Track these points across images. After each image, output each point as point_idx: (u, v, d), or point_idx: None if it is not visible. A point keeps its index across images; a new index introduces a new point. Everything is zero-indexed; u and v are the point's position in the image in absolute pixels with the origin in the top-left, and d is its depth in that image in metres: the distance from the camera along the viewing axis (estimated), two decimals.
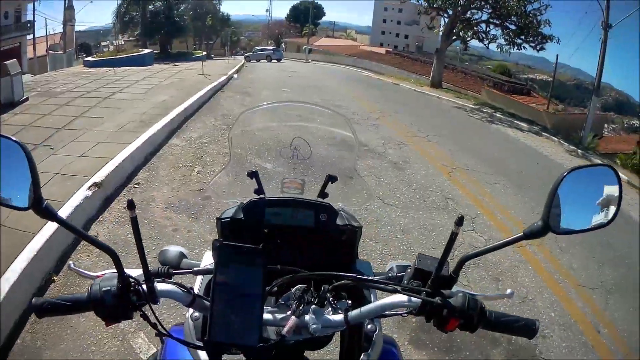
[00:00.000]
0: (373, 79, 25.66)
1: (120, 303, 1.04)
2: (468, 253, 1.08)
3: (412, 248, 5.08)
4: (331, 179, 1.48)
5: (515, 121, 14.82)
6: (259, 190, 1.49)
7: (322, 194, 1.51)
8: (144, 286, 1.06)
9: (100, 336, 3.44)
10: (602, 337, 4.20)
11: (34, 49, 25.91)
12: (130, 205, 0.99)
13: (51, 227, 4.17)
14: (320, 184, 1.51)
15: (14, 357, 3.16)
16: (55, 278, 3.93)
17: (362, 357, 1.24)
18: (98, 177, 5.42)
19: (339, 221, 1.48)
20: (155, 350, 1.84)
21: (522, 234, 1.03)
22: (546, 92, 20.97)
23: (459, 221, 1.00)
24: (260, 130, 1.74)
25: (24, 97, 9.75)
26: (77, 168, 5.68)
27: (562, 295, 4.75)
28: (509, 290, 1.23)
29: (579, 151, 12.85)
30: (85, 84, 10.97)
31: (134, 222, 1.00)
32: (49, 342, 3.32)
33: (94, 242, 1.04)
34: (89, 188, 5.09)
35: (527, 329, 1.12)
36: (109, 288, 1.03)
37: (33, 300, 1.09)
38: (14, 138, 0.97)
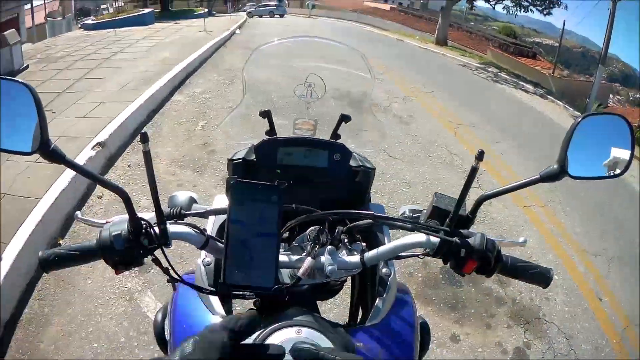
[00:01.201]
0: (377, 35, 25.45)
1: (131, 247, 0.99)
2: (485, 193, 1.05)
3: (418, 202, 5.13)
4: (345, 118, 1.44)
5: (521, 82, 14.72)
6: (271, 131, 1.45)
7: (335, 135, 1.47)
8: (156, 228, 1.01)
9: (107, 297, 3.48)
10: (603, 305, 4.24)
11: (32, 18, 25.59)
12: (144, 138, 0.93)
13: (56, 190, 4.21)
14: (333, 125, 1.47)
15: (22, 326, 3.18)
16: (60, 241, 3.93)
17: (377, 302, 1.22)
18: (101, 136, 5.41)
19: (352, 162, 1.44)
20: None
21: (538, 176, 1.01)
22: (552, 56, 20.78)
23: (480, 156, 0.97)
24: (273, 67, 1.71)
25: (24, 65, 9.70)
26: (80, 129, 5.63)
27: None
28: (522, 238, 1.20)
29: None
30: (85, 47, 10.84)
31: (147, 156, 0.94)
32: (57, 307, 3.35)
33: (104, 182, 0.99)
34: (92, 148, 5.08)
35: (542, 277, 1.11)
36: (119, 232, 0.98)
37: (40, 253, 1.03)
38: (20, 80, 0.91)
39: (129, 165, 5.21)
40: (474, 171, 0.99)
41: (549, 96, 13.79)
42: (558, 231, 5.29)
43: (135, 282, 3.62)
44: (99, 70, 7.96)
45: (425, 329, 1.33)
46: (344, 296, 3.03)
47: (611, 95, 19.93)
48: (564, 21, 20.68)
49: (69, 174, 4.47)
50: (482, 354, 3.45)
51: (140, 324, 3.29)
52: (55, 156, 0.90)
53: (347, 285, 1.55)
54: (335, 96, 1.56)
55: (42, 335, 3.14)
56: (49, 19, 25.81)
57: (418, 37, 24.27)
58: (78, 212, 1.26)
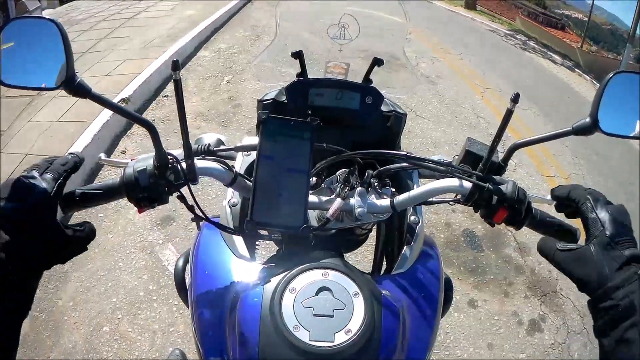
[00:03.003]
0: None
1: (156, 183, 0.96)
2: (518, 141, 1.01)
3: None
4: (377, 62, 1.37)
5: (549, 52, 14.38)
6: (302, 73, 1.40)
7: (367, 79, 1.42)
8: (183, 163, 0.99)
9: (128, 251, 3.51)
10: None
11: None
12: (175, 66, 0.88)
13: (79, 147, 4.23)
14: (365, 68, 1.41)
15: (41, 285, 3.15)
16: None
17: (404, 250, 1.18)
18: (125, 93, 5.37)
19: (383, 107, 1.41)
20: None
21: (570, 128, 0.95)
22: (580, 30, 20.27)
23: (515, 98, 0.91)
24: (307, 7, 1.67)
25: None
26: (103, 87, 5.56)
27: None
28: (549, 196, 1.17)
29: None
30: (108, 7, 10.68)
31: (178, 85, 0.89)
32: (77, 264, 3.38)
33: (131, 115, 0.96)
34: None
35: (569, 235, 1.06)
36: (144, 167, 0.95)
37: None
38: (45, 16, 0.89)
39: (154, 120, 5.15)
40: (509, 114, 0.94)
41: (576, 69, 13.47)
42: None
43: (156, 235, 3.66)
44: (122, 30, 7.84)
45: (448, 284, 1.29)
46: (366, 252, 3.08)
47: None
48: None
49: (92, 129, 4.51)
50: (498, 322, 3.46)
51: (160, 277, 3.34)
52: (81, 90, 0.86)
53: (371, 237, 1.52)
54: (368, 39, 1.52)
55: (60, 292, 3.20)
56: None
57: None
58: (102, 154, 1.25)
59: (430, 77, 7.82)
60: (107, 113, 4.77)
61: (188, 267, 1.24)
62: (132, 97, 5.33)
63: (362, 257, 3.21)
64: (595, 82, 12.21)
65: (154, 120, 5.10)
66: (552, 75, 11.05)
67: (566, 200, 0.97)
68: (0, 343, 0.74)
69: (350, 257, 1.20)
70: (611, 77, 0.94)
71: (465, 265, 3.88)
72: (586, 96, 9.99)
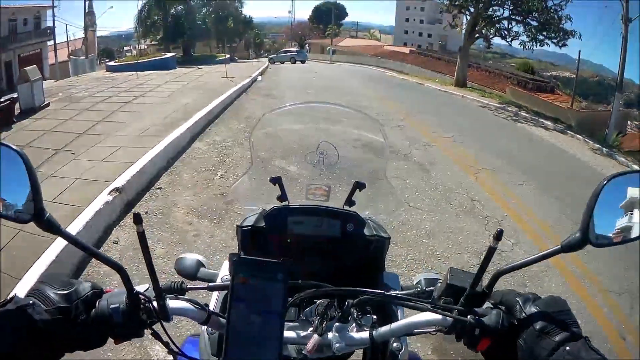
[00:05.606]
0: (397, 79, 25.74)
1: (129, 322, 0.95)
2: (502, 267, 0.99)
3: (437, 253, 4.99)
4: (359, 186, 1.39)
5: (540, 119, 14.68)
6: (283, 197, 1.41)
7: (349, 201, 1.42)
8: (155, 303, 0.98)
9: (121, 347, 3.43)
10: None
11: (55, 55, 26.24)
12: (137, 219, 0.90)
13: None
14: (347, 190, 1.42)
15: None
16: None
17: None
18: (119, 182, 5.42)
19: (366, 231, 1.40)
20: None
21: (559, 246, 0.93)
22: (570, 89, 20.80)
23: (498, 235, 0.92)
24: (283, 133, 1.68)
25: (45, 103, 9.97)
26: (98, 173, 5.65)
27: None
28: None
29: (604, 149, 12.78)
30: (107, 88, 10.96)
31: (142, 237, 0.92)
32: None
33: (100, 257, 0.95)
34: (109, 193, 5.09)
35: None
36: (117, 305, 0.95)
37: None
38: (13, 146, 0.87)
39: (147, 212, 5.21)
40: (491, 251, 0.95)
41: (568, 131, 13.82)
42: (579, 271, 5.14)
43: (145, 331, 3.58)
44: (120, 114, 8.01)
45: None
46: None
47: (629, 122, 19.69)
48: (579, 51, 20.77)
49: (85, 216, 4.54)
50: None
51: None
52: (50, 227, 0.87)
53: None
54: (348, 162, 1.53)
55: None
56: (72, 57, 26.51)
57: (438, 79, 24.58)
58: None
59: (423, 165, 7.95)
60: (101, 200, 4.84)
61: None
62: (125, 188, 5.37)
63: None
64: (587, 140, 12.41)
65: (147, 213, 5.14)
66: (545, 143, 11.26)
67: (499, 304, 1.02)
68: None
69: None
70: (604, 185, 0.91)
71: (464, 358, 3.75)
72: (580, 157, 10.34)
